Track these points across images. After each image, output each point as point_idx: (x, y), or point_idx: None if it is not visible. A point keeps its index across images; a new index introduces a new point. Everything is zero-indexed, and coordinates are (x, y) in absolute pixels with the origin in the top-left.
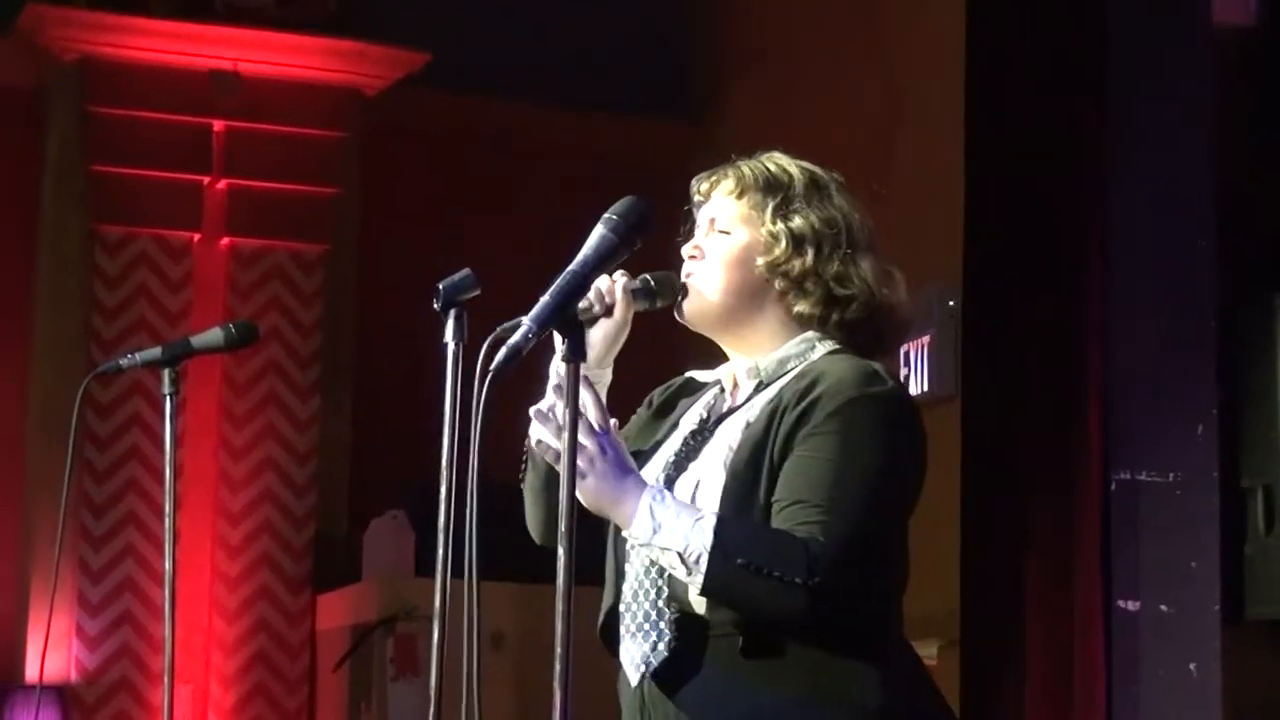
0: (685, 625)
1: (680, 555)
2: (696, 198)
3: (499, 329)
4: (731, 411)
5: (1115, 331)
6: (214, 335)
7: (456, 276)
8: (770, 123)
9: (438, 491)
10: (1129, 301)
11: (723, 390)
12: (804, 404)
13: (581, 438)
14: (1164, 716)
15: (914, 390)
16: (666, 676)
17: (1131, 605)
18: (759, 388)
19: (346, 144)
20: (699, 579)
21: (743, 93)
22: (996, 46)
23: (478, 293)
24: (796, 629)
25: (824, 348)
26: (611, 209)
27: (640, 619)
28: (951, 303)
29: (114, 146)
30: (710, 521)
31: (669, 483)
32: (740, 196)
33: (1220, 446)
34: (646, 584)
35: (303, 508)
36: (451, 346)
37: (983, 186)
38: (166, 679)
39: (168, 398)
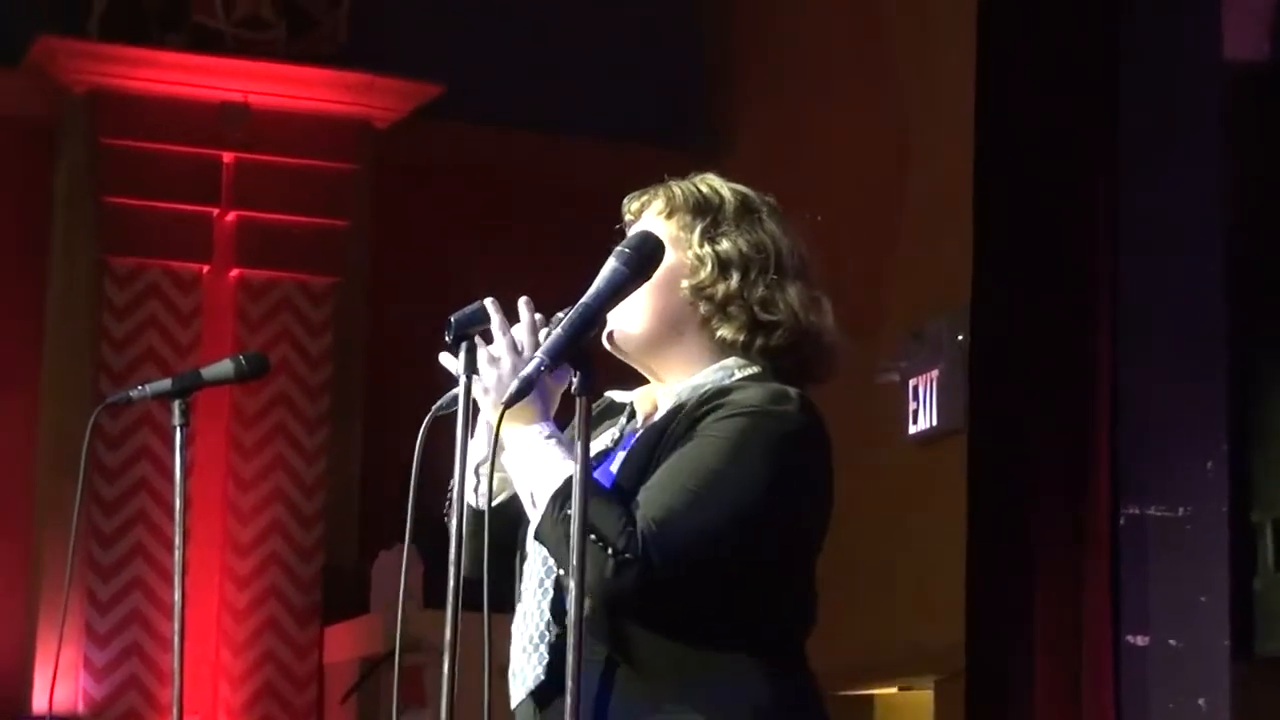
0: (562, 646)
1: (530, 494)
2: (628, 217)
3: (435, 407)
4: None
5: (1126, 365)
6: (224, 367)
7: (468, 309)
8: (781, 154)
9: (445, 525)
10: (1139, 335)
11: (633, 415)
12: (702, 410)
13: (508, 347)
14: None
15: (922, 425)
16: (542, 697)
17: (1140, 640)
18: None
19: (357, 176)
20: (535, 517)
21: (754, 124)
22: (1006, 80)
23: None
24: (601, 600)
25: (742, 373)
26: (624, 242)
27: (525, 640)
28: (960, 337)
29: (124, 178)
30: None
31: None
32: (670, 217)
33: (1230, 481)
34: (532, 604)
35: (311, 539)
36: (463, 380)
37: (991, 220)
38: (176, 711)
39: (178, 429)
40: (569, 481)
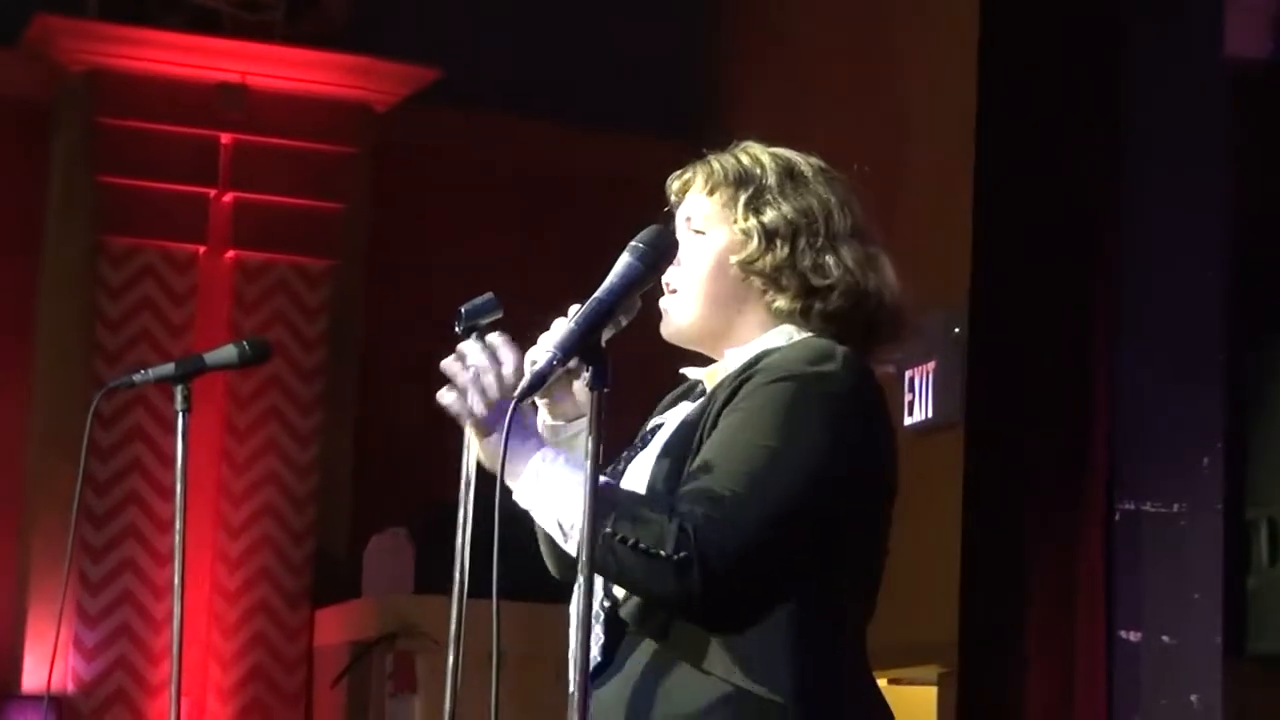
0: (615, 624)
1: (558, 522)
2: (672, 198)
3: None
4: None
5: (1123, 362)
6: (228, 352)
7: (479, 300)
8: (780, 144)
9: (439, 510)
10: (1137, 332)
11: (703, 391)
12: (743, 376)
13: (491, 395)
14: None
15: (918, 416)
16: (596, 677)
17: (1134, 636)
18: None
19: (355, 159)
20: (572, 546)
21: (754, 113)
22: (1007, 74)
23: (500, 315)
24: (677, 608)
25: (799, 337)
26: (638, 237)
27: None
28: (957, 329)
29: (121, 158)
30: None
31: (617, 475)
32: (712, 193)
33: (1225, 478)
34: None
35: (303, 523)
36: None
37: (991, 214)
38: (174, 690)
39: (180, 414)
40: (600, 497)
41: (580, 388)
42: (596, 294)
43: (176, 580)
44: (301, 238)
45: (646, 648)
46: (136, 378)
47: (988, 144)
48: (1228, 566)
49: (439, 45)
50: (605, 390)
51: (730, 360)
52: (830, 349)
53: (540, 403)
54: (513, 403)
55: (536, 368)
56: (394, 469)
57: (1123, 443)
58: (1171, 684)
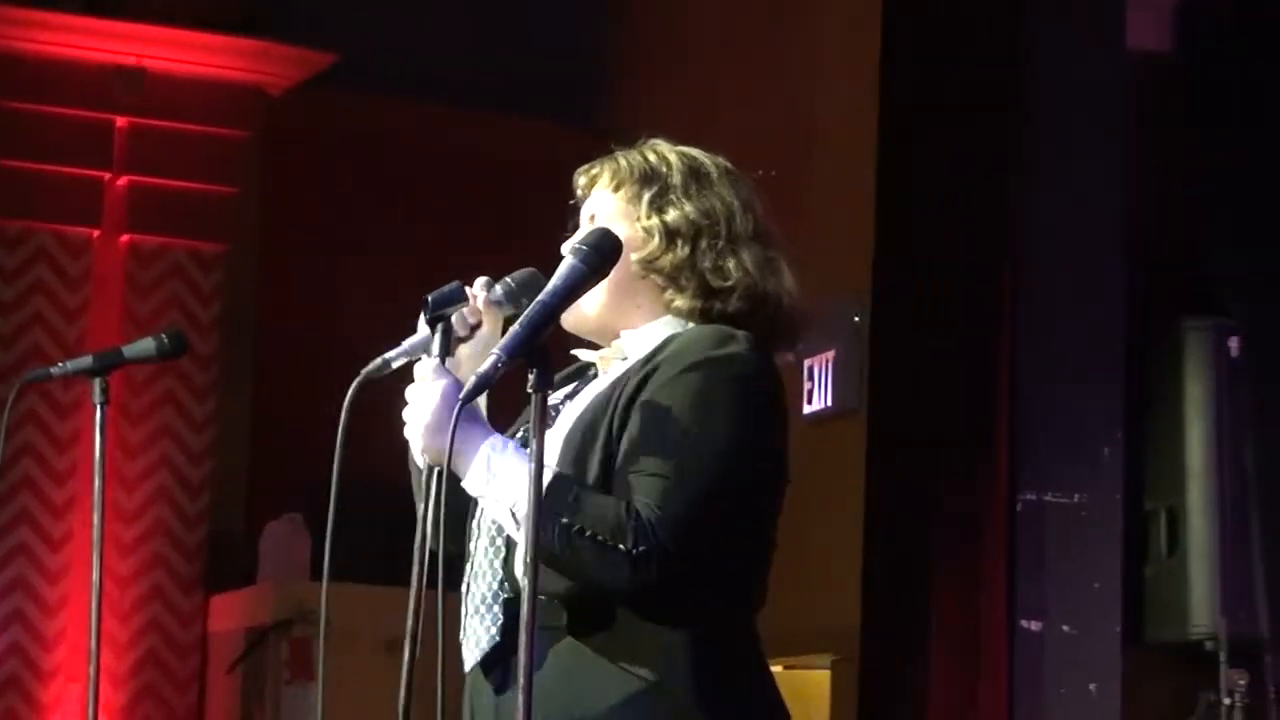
0: (515, 608)
1: (511, 510)
2: (579, 192)
3: (364, 373)
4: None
5: (1024, 352)
6: (145, 345)
7: (446, 288)
8: (682, 132)
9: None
10: (1039, 323)
11: (596, 374)
12: (648, 366)
13: (433, 380)
14: None
15: (817, 405)
16: (494, 661)
17: (1035, 625)
18: (622, 362)
19: (249, 143)
20: (522, 535)
21: (656, 100)
22: (911, 67)
23: (466, 304)
24: (626, 600)
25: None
26: (580, 239)
27: (477, 601)
28: (857, 318)
29: (14, 140)
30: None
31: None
32: (617, 190)
33: (1125, 469)
34: (484, 564)
35: (197, 508)
36: (434, 358)
37: (893, 203)
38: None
39: (99, 407)
40: (554, 488)
41: (467, 351)
42: (540, 296)
43: (96, 573)
44: (196, 222)
45: (548, 637)
46: (54, 370)
47: (890, 134)
48: (1127, 556)
49: (336, 30)
50: (550, 391)
51: (629, 344)
52: (731, 333)
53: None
54: (458, 404)
55: (481, 370)
56: (289, 454)
57: (1024, 433)
58: (1071, 672)
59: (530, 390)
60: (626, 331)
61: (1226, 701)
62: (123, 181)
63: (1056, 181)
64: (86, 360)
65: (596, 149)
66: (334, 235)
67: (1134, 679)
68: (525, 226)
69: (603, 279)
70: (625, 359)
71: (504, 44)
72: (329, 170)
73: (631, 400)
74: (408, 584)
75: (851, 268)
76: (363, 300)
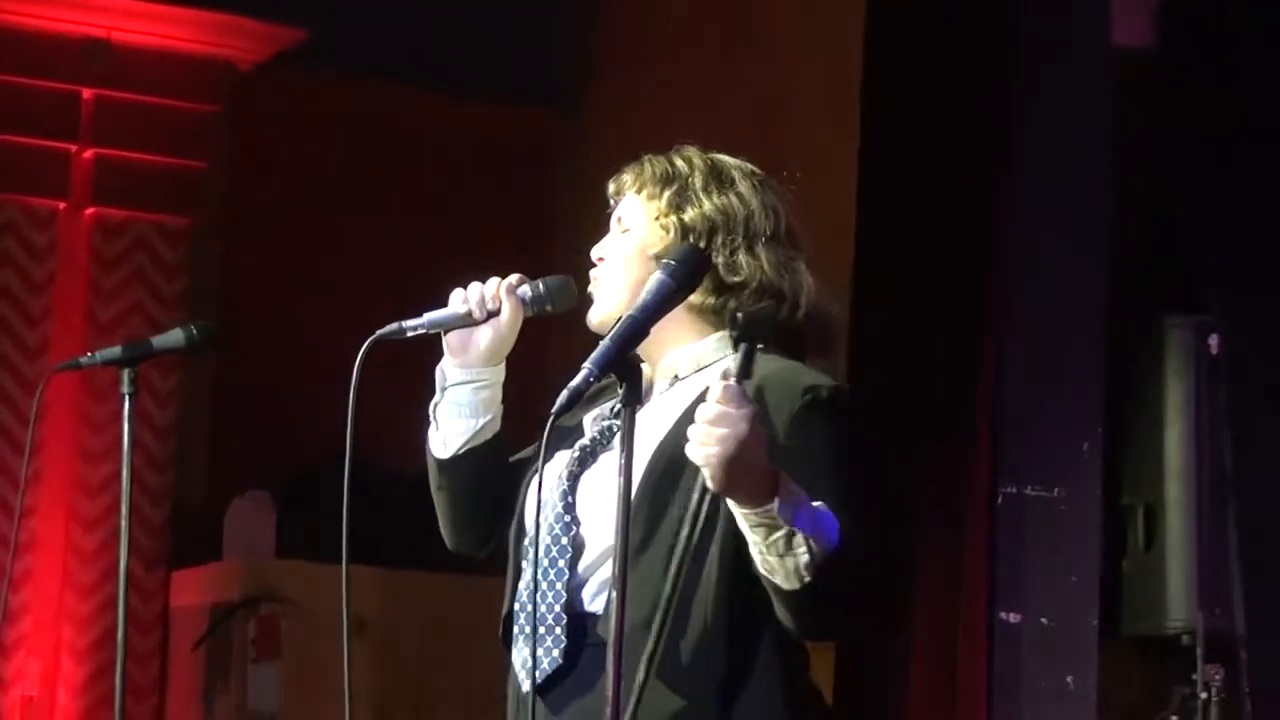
0: (579, 631)
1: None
2: (611, 199)
3: (378, 333)
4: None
5: (1006, 346)
6: (174, 336)
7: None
8: (649, 112)
9: (301, 473)
10: (1021, 319)
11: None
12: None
13: (746, 410)
14: None
15: None
16: (554, 685)
17: (1013, 617)
18: (673, 382)
19: (218, 118)
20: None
21: (621, 81)
22: (894, 61)
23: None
24: (798, 630)
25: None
26: (669, 254)
27: (535, 622)
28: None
29: None
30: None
31: (573, 477)
32: (640, 191)
33: (1105, 464)
34: (543, 585)
35: (161, 484)
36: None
37: (875, 199)
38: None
39: (127, 398)
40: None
41: (485, 335)
42: (630, 311)
43: (123, 561)
44: (162, 195)
45: (601, 654)
46: (84, 360)
47: (872, 129)
48: (1105, 550)
49: (307, 6)
50: (639, 406)
51: (678, 363)
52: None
53: (450, 357)
54: (550, 419)
55: (573, 384)
56: (253, 432)
57: (1006, 427)
58: (1049, 665)
59: (621, 404)
60: (675, 350)
61: (1203, 696)
62: (89, 154)
63: (1039, 179)
64: (115, 351)
65: (569, 133)
66: (300, 212)
67: (1110, 672)
68: (493, 209)
69: (690, 293)
70: (677, 378)
71: (475, 25)
72: (296, 147)
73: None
74: (376, 563)
75: (831, 263)
76: (327, 277)
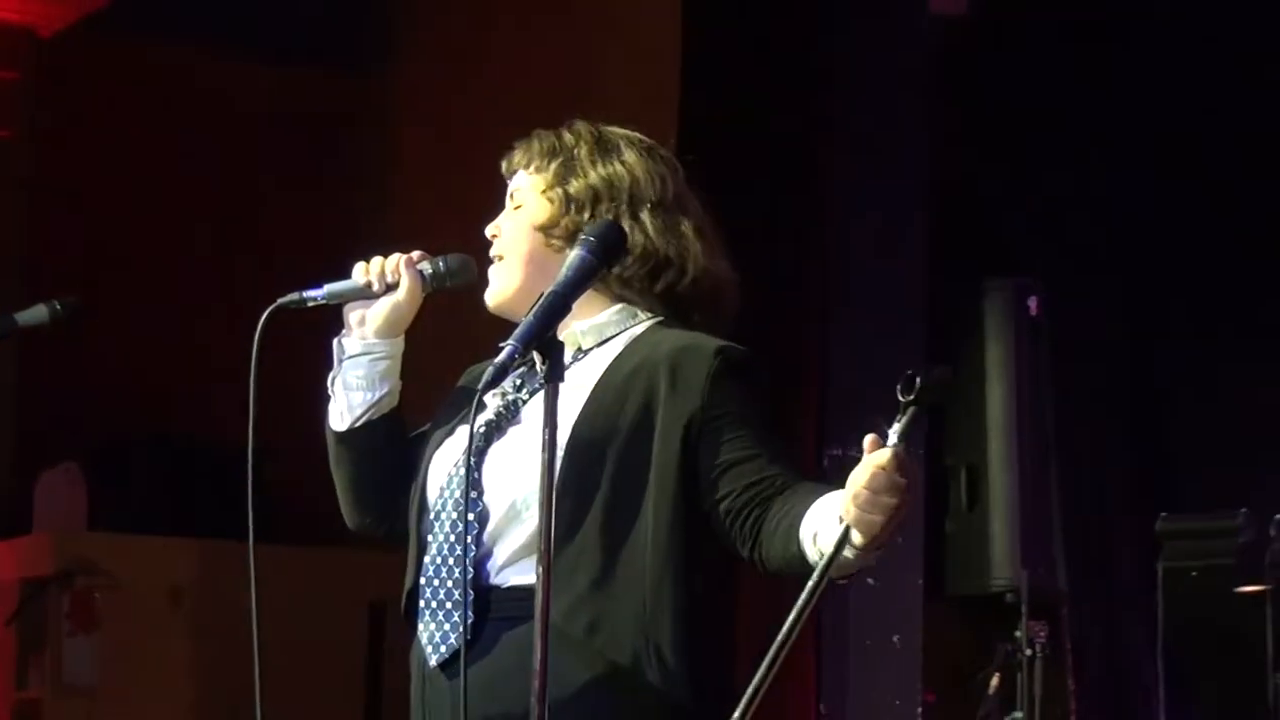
0: (497, 601)
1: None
2: (506, 176)
3: (278, 302)
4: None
5: (830, 311)
6: (39, 312)
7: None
8: (458, 72)
9: (110, 445)
10: (843, 281)
11: (532, 365)
12: (650, 379)
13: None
14: (869, 685)
15: None
16: (455, 658)
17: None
18: (577, 355)
19: (19, 85)
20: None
21: (428, 41)
22: (713, 26)
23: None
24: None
25: (645, 317)
26: (586, 230)
27: (441, 597)
28: None
29: None
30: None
31: (480, 453)
32: (529, 166)
33: (928, 425)
34: (450, 560)
35: None
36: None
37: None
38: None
39: None
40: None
41: (383, 308)
42: (552, 287)
43: None
44: None
45: (505, 626)
46: None
47: (691, 97)
48: (928, 512)
49: None
50: (560, 381)
51: (583, 336)
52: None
53: (353, 325)
54: (477, 395)
55: (498, 360)
56: (61, 402)
57: (830, 390)
58: (876, 624)
59: (543, 380)
60: (578, 324)
61: (1028, 652)
62: None
63: (859, 141)
64: None
65: (376, 97)
66: (105, 180)
67: (935, 631)
68: (304, 177)
69: (611, 267)
70: (583, 350)
71: None
72: (101, 114)
73: (648, 404)
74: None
75: None
76: (132, 245)
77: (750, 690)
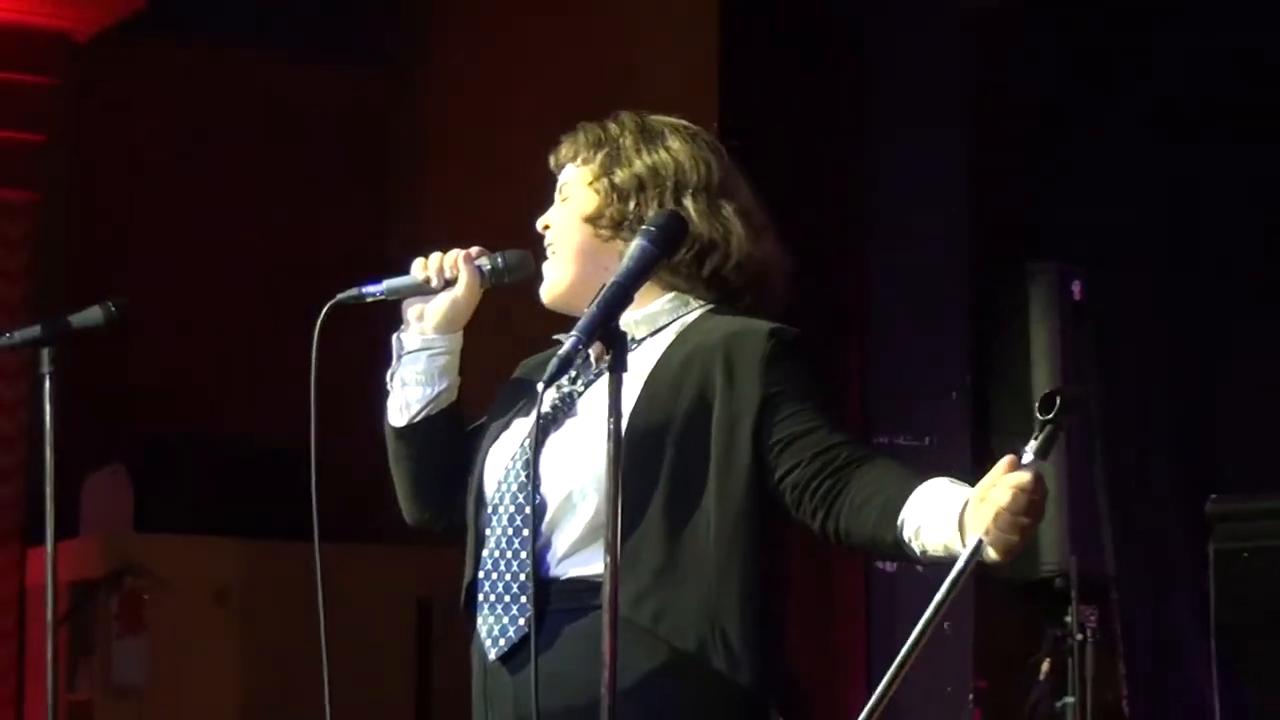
0: (556, 593)
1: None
2: (554, 171)
3: (338, 297)
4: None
5: (874, 301)
6: (93, 314)
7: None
8: (491, 69)
9: (155, 446)
10: (887, 271)
11: (586, 357)
12: (709, 367)
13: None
14: (920, 672)
15: None
16: (518, 651)
17: (889, 566)
18: (630, 345)
19: (57, 91)
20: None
21: (461, 35)
22: (755, 20)
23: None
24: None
25: (697, 305)
26: (648, 221)
27: (500, 590)
28: None
29: None
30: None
31: (537, 445)
32: (576, 159)
33: (975, 411)
34: (509, 553)
35: (12, 461)
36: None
37: (738, 155)
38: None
39: (47, 377)
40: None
41: (442, 303)
42: (614, 278)
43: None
44: (3, 170)
45: (570, 618)
46: (2, 340)
47: (732, 89)
48: None
49: None
50: (624, 372)
51: (635, 327)
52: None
53: (412, 321)
54: (541, 386)
55: (561, 352)
56: (106, 405)
57: (876, 380)
58: (925, 611)
59: (608, 370)
60: (630, 314)
61: (1078, 637)
62: None
63: (899, 135)
64: (35, 330)
65: (409, 96)
66: (145, 184)
67: (986, 617)
68: (339, 174)
69: (673, 257)
70: (635, 340)
71: None
72: (138, 118)
73: (704, 391)
74: (233, 534)
75: None
76: (172, 246)
77: (879, 692)
